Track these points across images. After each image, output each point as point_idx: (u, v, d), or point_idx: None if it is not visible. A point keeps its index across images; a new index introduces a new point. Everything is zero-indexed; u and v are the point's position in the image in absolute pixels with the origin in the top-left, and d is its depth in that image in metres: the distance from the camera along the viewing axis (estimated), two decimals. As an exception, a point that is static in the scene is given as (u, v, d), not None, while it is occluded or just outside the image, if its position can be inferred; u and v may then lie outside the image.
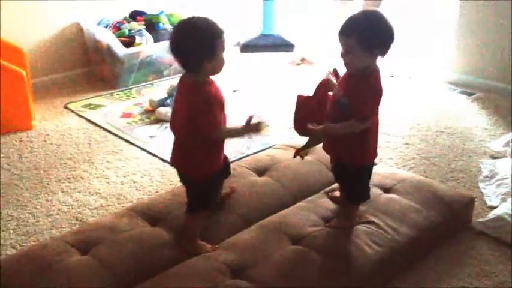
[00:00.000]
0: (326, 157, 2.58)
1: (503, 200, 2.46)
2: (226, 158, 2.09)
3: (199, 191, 2.00)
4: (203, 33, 1.81)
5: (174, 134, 1.98)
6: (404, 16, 4.33)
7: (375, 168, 2.54)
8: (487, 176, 2.73)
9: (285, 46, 4.89)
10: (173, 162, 2.04)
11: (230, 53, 4.82)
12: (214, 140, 1.91)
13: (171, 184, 2.70)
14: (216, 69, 1.87)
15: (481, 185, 2.67)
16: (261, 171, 2.48)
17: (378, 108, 1.93)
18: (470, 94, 3.86)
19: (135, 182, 2.73)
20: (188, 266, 1.89)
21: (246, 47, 4.91)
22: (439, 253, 2.19)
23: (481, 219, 2.34)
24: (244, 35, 5.01)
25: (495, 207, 2.44)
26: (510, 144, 2.88)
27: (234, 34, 4.92)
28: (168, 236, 2.03)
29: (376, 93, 1.87)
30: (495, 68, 3.83)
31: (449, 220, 2.25)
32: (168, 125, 3.32)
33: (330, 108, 1.95)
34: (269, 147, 2.93)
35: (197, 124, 1.84)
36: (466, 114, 3.56)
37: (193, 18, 1.86)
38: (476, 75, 3.93)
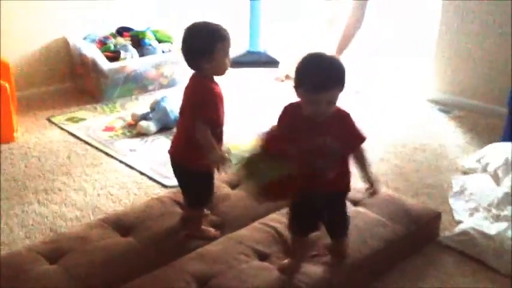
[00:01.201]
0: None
1: (471, 215, 2.52)
2: None
3: (198, 183, 2.12)
4: (202, 36, 1.98)
5: (181, 123, 2.16)
6: (385, 33, 4.42)
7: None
8: (457, 192, 2.78)
9: (270, 63, 4.97)
10: (173, 154, 2.18)
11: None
12: (202, 133, 1.98)
13: (147, 197, 2.74)
14: (217, 71, 2.01)
15: (450, 200, 2.73)
16: (234, 185, 2.53)
17: None
18: (448, 112, 3.93)
19: (111, 195, 2.77)
20: (155, 276, 1.93)
21: (233, 63, 4.96)
22: (403, 266, 2.23)
23: (447, 234, 2.39)
24: (232, 51, 5.09)
25: (460, 222, 2.49)
26: (481, 160, 2.94)
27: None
28: (138, 246, 2.08)
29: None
30: (474, 87, 3.91)
31: (415, 234, 2.30)
32: (148, 138, 3.44)
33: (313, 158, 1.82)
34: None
35: (199, 112, 1.98)
36: (442, 131, 3.63)
37: (200, 22, 2.02)
38: (455, 94, 4.01)
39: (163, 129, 3.54)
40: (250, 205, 2.37)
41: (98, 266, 1.97)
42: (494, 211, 2.43)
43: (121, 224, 2.21)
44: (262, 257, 2.05)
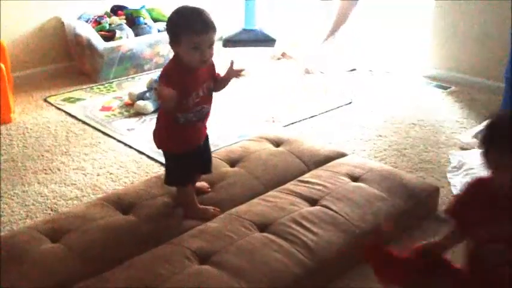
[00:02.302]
0: (297, 148, 2.68)
1: (469, 190, 2.53)
2: (207, 153, 2.20)
3: (169, 164, 2.15)
4: (173, 23, 1.96)
5: None
6: (381, 13, 4.39)
7: (347, 159, 2.63)
8: (455, 167, 2.80)
9: (266, 41, 4.94)
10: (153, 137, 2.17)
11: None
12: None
13: (146, 175, 2.75)
14: (186, 61, 1.93)
15: (448, 175, 2.74)
16: (233, 163, 2.54)
17: None
18: (445, 88, 3.93)
19: (111, 174, 2.78)
20: (156, 253, 1.94)
21: (228, 42, 4.96)
22: (404, 243, 2.24)
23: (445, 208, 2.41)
24: (226, 29, 5.08)
25: (460, 197, 2.51)
26: (479, 135, 2.95)
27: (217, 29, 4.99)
28: (138, 224, 2.09)
29: None
30: (470, 63, 3.90)
31: (413, 208, 2.32)
32: (146, 117, 3.43)
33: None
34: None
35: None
36: (439, 107, 3.63)
37: (183, 7, 1.96)
38: (451, 70, 4.00)
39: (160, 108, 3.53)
40: (248, 183, 2.39)
41: (99, 244, 1.99)
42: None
43: (121, 203, 2.22)
44: (263, 228, 2.06)
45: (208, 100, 2.05)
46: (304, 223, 2.08)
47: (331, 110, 3.57)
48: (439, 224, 2.35)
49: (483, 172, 2.57)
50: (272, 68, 4.35)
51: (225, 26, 5.02)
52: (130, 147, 3.07)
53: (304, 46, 4.50)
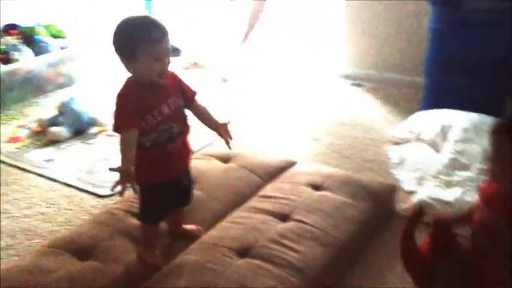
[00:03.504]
0: (247, 162, 2.55)
1: (420, 185, 2.57)
2: (186, 183, 1.96)
3: (141, 197, 1.90)
4: (123, 35, 1.71)
5: None
6: (293, 13, 4.40)
7: (301, 167, 2.56)
8: (397, 163, 2.83)
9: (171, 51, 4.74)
10: None
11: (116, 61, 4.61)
12: (120, 140, 1.72)
13: (83, 210, 2.47)
14: (142, 75, 1.72)
15: (394, 171, 2.76)
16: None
17: None
18: (361, 86, 4.01)
19: (42, 214, 2.46)
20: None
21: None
22: (374, 244, 2.21)
23: (405, 206, 2.42)
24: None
25: (412, 192, 2.53)
26: (413, 129, 3.02)
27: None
28: (105, 270, 1.85)
29: None
30: (382, 60, 4.02)
31: (378, 210, 2.30)
32: (63, 144, 3.11)
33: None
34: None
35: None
36: (361, 105, 3.70)
37: (129, 18, 1.73)
38: (365, 68, 4.10)
39: (77, 133, 3.23)
40: (208, 205, 2.23)
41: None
42: (443, 178, 2.50)
43: (76, 248, 1.95)
44: (242, 253, 1.91)
45: (178, 118, 1.83)
46: (284, 242, 1.96)
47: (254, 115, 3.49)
48: (400, 221, 2.36)
49: (431, 165, 2.64)
50: (186, 78, 4.16)
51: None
52: (55, 180, 2.75)
53: (216, 53, 4.39)
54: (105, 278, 1.82)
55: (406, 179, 2.67)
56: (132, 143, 1.70)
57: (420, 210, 1.66)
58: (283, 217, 2.12)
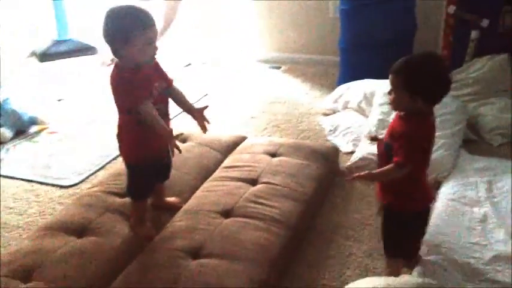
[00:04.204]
0: (205, 140, 2.77)
1: (356, 145, 2.93)
2: (167, 160, 2.14)
3: (131, 176, 2.08)
4: (117, 22, 1.86)
5: None
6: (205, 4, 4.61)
7: (253, 140, 2.82)
8: (331, 130, 3.18)
9: (85, 50, 4.77)
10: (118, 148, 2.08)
11: (29, 63, 4.57)
12: (144, 113, 1.89)
13: (52, 201, 2.56)
14: (136, 59, 1.89)
15: (329, 138, 3.11)
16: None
17: (420, 156, 1.73)
18: (278, 68, 4.34)
19: (11, 208, 2.52)
20: (147, 259, 1.91)
21: (45, 56, 4.66)
22: (330, 199, 2.53)
23: (349, 163, 2.76)
24: (37, 43, 4.78)
25: (351, 152, 2.89)
26: (338, 100, 3.39)
27: (26, 44, 4.69)
28: (103, 242, 2.00)
29: (414, 139, 1.69)
30: (293, 42, 4.38)
31: (330, 168, 2.62)
32: (7, 145, 3.13)
33: (379, 151, 1.83)
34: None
35: (120, 101, 1.93)
36: (284, 85, 4.01)
37: (119, 6, 1.87)
38: (279, 51, 4.43)
39: (19, 132, 3.25)
40: (182, 180, 2.43)
41: (77, 272, 1.86)
42: (375, 136, 2.87)
43: (70, 227, 2.08)
44: (227, 214, 2.15)
45: (163, 100, 2.02)
46: (260, 200, 2.21)
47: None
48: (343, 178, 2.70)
49: (358, 129, 3.00)
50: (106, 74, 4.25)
51: (35, 39, 4.75)
52: (13, 177, 2.79)
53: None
54: (106, 249, 1.97)
55: (342, 143, 3.03)
56: (154, 111, 1.88)
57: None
58: (253, 181, 2.38)
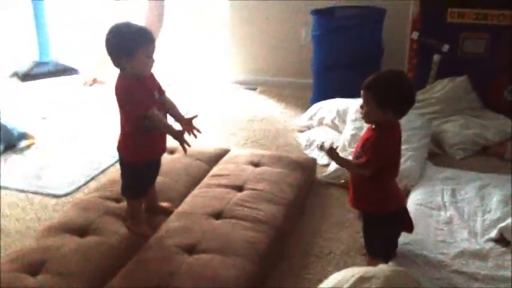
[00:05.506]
0: (191, 152, 2.93)
1: (330, 158, 3.16)
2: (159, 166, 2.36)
3: (128, 176, 2.25)
4: (122, 38, 2.07)
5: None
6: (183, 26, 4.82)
7: (236, 152, 3.02)
8: (307, 145, 3.41)
9: (66, 71, 4.91)
10: (117, 147, 2.25)
11: (9, 83, 4.68)
12: (151, 119, 2.08)
13: (47, 209, 2.70)
14: (139, 71, 2.09)
15: (307, 151, 3.34)
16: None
17: (381, 162, 1.96)
18: (253, 89, 4.57)
19: (8, 216, 2.64)
20: (145, 255, 2.08)
21: (27, 76, 4.79)
22: (308, 207, 2.74)
23: (324, 174, 2.98)
24: (19, 63, 4.91)
25: (328, 164, 3.11)
26: (313, 118, 3.62)
27: (7, 64, 4.82)
28: (105, 241, 2.16)
29: (380, 147, 1.95)
30: (267, 65, 4.62)
31: (308, 178, 2.84)
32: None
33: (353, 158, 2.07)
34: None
35: (127, 109, 2.12)
36: (259, 105, 4.23)
37: (122, 23, 2.09)
38: (254, 73, 4.67)
39: (8, 147, 3.37)
40: (173, 187, 2.60)
41: (81, 268, 2.01)
42: (349, 149, 3.10)
43: (72, 228, 2.23)
44: (217, 215, 2.33)
45: (161, 107, 2.21)
46: (247, 204, 2.41)
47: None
48: (321, 187, 2.92)
49: (337, 142, 3.23)
50: (89, 95, 4.41)
51: (15, 59, 4.89)
52: (6, 188, 2.92)
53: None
54: (108, 247, 2.13)
55: (318, 156, 3.25)
56: (161, 115, 2.10)
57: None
58: (239, 188, 2.57)
